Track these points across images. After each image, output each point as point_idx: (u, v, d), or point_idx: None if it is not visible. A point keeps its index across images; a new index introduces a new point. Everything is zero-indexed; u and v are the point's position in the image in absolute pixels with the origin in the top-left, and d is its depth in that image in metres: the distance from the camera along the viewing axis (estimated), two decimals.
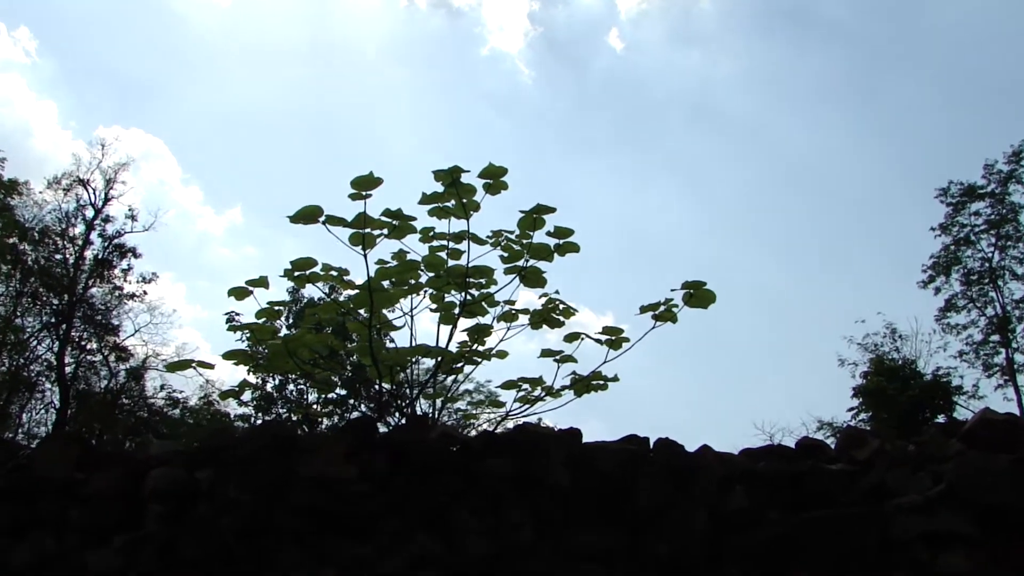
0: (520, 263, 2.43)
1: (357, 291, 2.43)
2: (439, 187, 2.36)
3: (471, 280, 2.46)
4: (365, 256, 2.28)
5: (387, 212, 2.33)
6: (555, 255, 2.45)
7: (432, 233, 2.56)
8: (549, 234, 2.41)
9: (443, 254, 2.55)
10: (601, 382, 2.50)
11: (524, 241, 2.46)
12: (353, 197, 2.26)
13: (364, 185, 2.23)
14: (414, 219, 2.37)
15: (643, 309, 2.47)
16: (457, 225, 2.45)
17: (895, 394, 13.72)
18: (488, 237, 2.52)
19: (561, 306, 2.64)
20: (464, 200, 2.36)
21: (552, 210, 2.35)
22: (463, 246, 2.49)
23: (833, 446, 1.84)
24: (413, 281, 2.57)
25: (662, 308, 2.47)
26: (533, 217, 2.38)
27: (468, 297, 2.47)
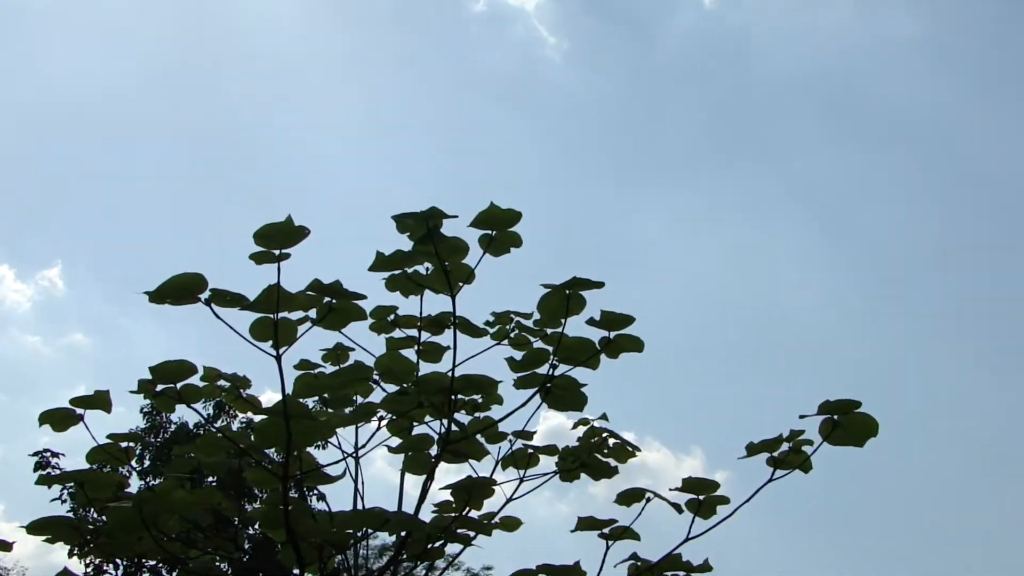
0: (543, 369, 2.22)
1: (264, 416, 2.15)
2: (405, 242, 2.16)
3: (459, 398, 2.27)
4: (278, 358, 2.05)
5: (316, 285, 2.10)
6: (602, 357, 2.25)
7: (393, 317, 2.38)
8: (593, 323, 2.19)
9: (411, 352, 2.37)
10: (682, 574, 2.25)
11: (550, 332, 2.25)
12: (259, 258, 2.04)
13: (278, 238, 2.00)
14: (362, 296, 2.16)
15: (753, 449, 2.24)
16: (436, 304, 2.28)
17: None
18: (488, 324, 2.36)
19: (612, 442, 2.46)
20: (447, 264, 2.15)
21: (597, 285, 2.15)
22: (445, 339, 2.34)
23: None
24: (361, 399, 2.40)
25: (786, 448, 2.24)
26: (566, 294, 2.15)
27: (454, 427, 2.25)
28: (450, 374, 2.20)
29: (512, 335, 2.36)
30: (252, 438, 2.30)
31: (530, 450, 2.48)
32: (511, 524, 2.44)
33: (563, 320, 2.20)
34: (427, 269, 2.22)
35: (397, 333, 2.40)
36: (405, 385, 2.31)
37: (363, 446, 2.43)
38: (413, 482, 2.44)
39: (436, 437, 2.35)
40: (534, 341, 2.31)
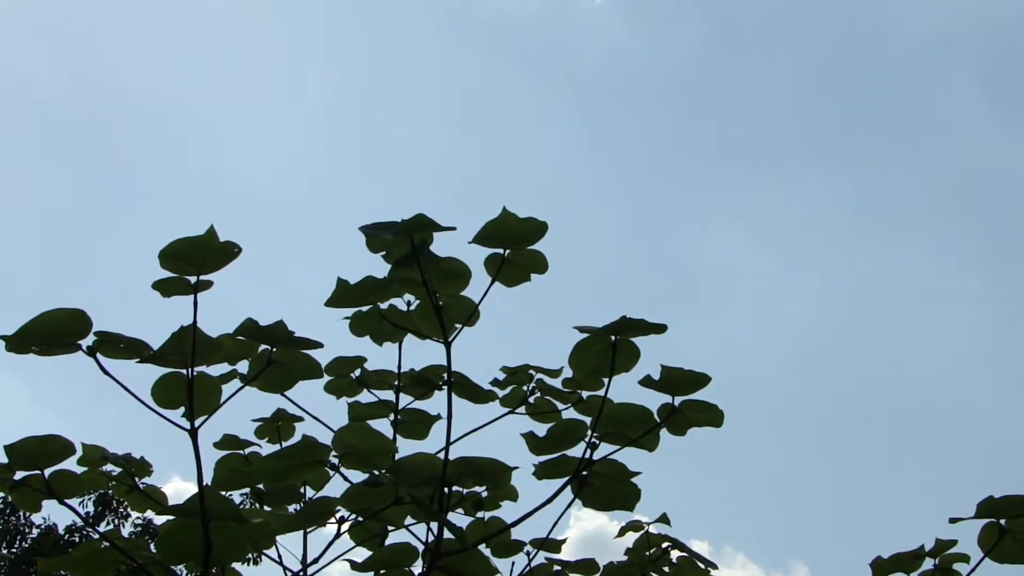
0: (576, 451, 2.12)
1: (171, 517, 2.02)
2: (380, 264, 2.08)
3: (455, 490, 2.15)
4: (193, 432, 1.97)
5: (250, 327, 2.00)
6: (662, 432, 2.14)
7: (360, 374, 2.33)
8: (649, 383, 2.08)
9: (385, 425, 2.33)
10: None
11: (586, 397, 2.20)
12: (166, 287, 1.95)
13: (194, 259, 1.93)
14: (317, 344, 2.06)
15: (882, 568, 2.12)
16: (422, 354, 2.28)
17: None
18: (497, 383, 2.32)
19: (676, 555, 2.38)
20: (439, 297, 2.07)
21: (656, 329, 2.02)
22: (436, 404, 2.31)
23: None
24: (312, 492, 2.34)
25: (930, 565, 2.14)
26: (611, 342, 2.03)
27: (447, 534, 2.12)
28: (442, 456, 2.08)
29: (532, 400, 2.28)
30: (153, 548, 2.21)
31: (557, 567, 2.37)
32: None
33: (606, 379, 2.08)
34: (410, 304, 2.17)
35: (365, 396, 2.31)
36: (377, 472, 2.18)
37: (315, 561, 2.28)
38: None
39: (422, 548, 2.20)
40: (564, 409, 2.24)
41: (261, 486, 2.30)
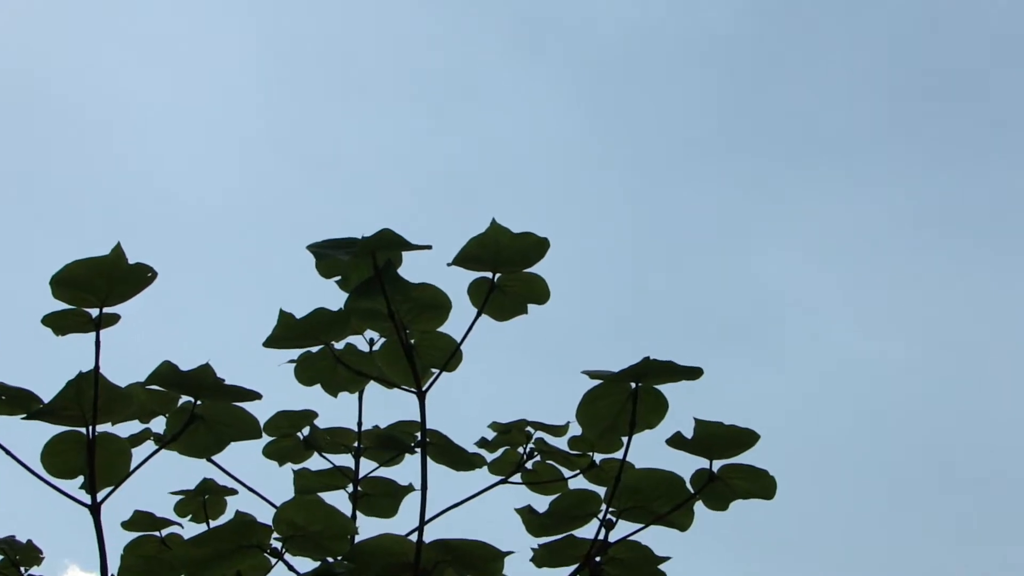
0: (587, 530, 2.03)
1: None
2: (333, 293, 2.03)
3: None
4: (95, 508, 1.94)
5: (168, 372, 1.94)
6: (698, 506, 2.03)
7: (308, 433, 2.25)
8: (679, 443, 1.98)
9: (342, 498, 2.24)
10: None
11: (599, 461, 2.14)
12: (60, 323, 1.93)
13: (96, 286, 1.89)
14: (254, 395, 2.00)
15: None
16: (389, 408, 2.23)
17: None
18: (484, 444, 2.25)
19: None
20: (410, 333, 2.01)
21: (689, 373, 1.93)
22: (407, 472, 2.25)
23: None
24: None
25: None
26: (630, 391, 1.95)
27: None
28: (415, 538, 1.99)
29: (530, 465, 2.16)
30: None
31: None
32: None
33: (625, 439, 1.97)
34: (373, 344, 2.07)
35: (316, 462, 2.21)
36: (331, 559, 2.09)
37: None
38: None
39: None
40: (571, 476, 2.13)
41: None
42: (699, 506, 2.01)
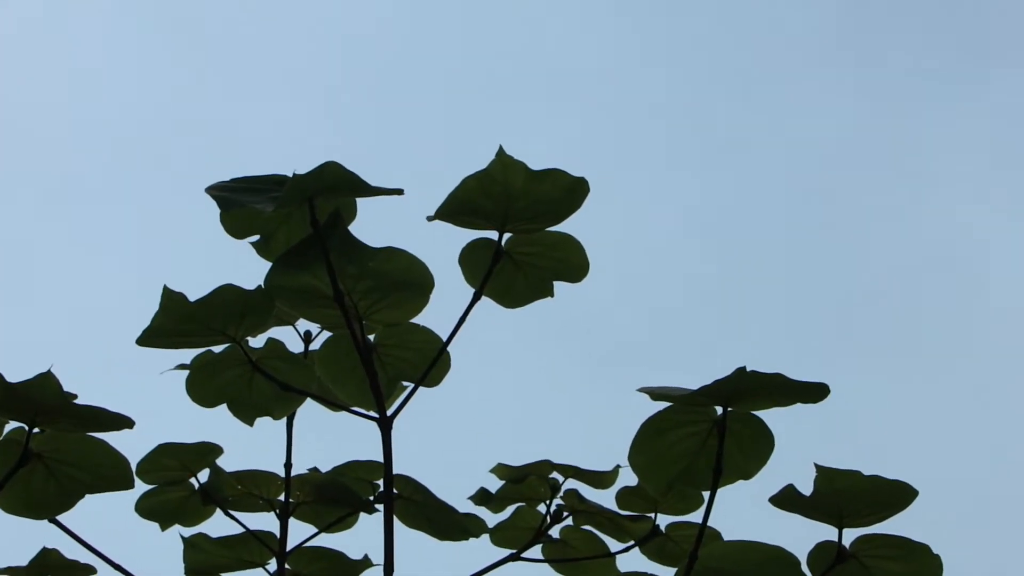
0: None
1: None
2: (250, 260, 1.69)
3: None
4: None
5: None
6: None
7: (205, 482, 2.04)
8: (790, 501, 1.63)
9: None
10: None
11: (664, 528, 1.82)
12: None
13: None
14: (126, 422, 1.70)
15: None
16: (330, 443, 2.00)
17: None
18: (483, 497, 1.92)
19: None
20: (366, 324, 1.68)
21: (806, 392, 1.62)
22: (358, 537, 1.95)
23: None
24: None
25: None
26: (714, 419, 1.67)
27: None
28: None
29: (557, 532, 1.79)
30: None
31: None
32: None
33: (707, 493, 1.62)
34: (310, 339, 1.79)
35: (219, 524, 1.82)
36: None
37: None
38: None
39: None
40: (620, 551, 1.80)
41: None
42: None
